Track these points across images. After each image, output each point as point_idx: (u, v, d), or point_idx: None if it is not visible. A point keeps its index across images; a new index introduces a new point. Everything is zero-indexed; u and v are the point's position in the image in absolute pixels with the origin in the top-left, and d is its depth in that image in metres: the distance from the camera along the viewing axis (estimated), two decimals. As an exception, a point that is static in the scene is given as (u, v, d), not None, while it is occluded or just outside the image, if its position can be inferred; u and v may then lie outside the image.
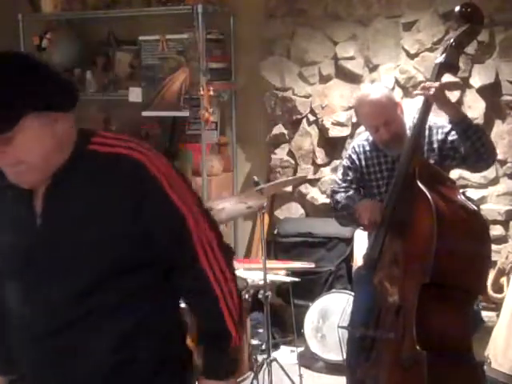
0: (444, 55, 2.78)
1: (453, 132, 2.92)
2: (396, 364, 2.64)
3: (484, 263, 2.70)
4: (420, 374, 2.53)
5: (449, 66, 2.78)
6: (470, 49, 3.82)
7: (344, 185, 3.16)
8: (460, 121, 2.82)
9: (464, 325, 2.66)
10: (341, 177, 3.19)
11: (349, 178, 3.15)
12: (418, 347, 2.54)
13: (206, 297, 1.67)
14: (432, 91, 2.73)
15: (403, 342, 2.61)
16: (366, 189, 3.14)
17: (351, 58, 4.25)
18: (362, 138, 3.17)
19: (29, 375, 1.70)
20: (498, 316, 3.64)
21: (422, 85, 2.80)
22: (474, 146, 2.81)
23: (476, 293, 2.79)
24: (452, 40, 2.77)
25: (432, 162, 2.97)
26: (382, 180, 3.07)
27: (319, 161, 4.42)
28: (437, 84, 2.75)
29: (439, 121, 3.02)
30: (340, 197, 3.13)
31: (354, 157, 3.14)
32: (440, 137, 2.97)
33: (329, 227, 4.20)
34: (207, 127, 4.29)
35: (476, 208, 2.73)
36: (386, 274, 2.79)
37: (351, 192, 3.13)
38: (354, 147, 3.17)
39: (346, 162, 3.18)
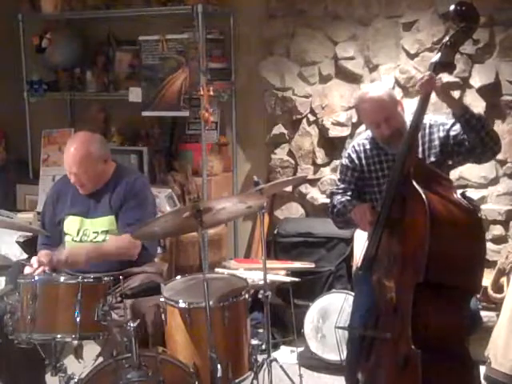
0: (439, 54, 2.78)
1: (454, 127, 2.93)
2: (394, 363, 2.64)
3: (479, 262, 2.70)
4: (415, 372, 2.54)
5: (444, 65, 2.79)
6: (470, 49, 3.82)
7: (342, 186, 3.16)
8: (463, 112, 2.83)
9: (459, 324, 2.66)
10: (339, 176, 3.20)
11: (347, 178, 3.15)
12: (412, 346, 2.55)
13: None
14: (438, 83, 2.74)
15: (400, 341, 2.62)
16: (366, 187, 3.14)
17: (351, 58, 4.25)
18: (363, 137, 3.18)
19: None
20: (497, 316, 3.64)
21: (425, 78, 2.78)
22: (479, 136, 2.81)
23: (471, 292, 2.78)
24: (447, 39, 2.78)
25: (433, 159, 2.98)
26: (382, 178, 3.07)
27: (319, 161, 4.42)
28: (440, 76, 2.76)
29: (439, 118, 3.03)
30: (336, 200, 3.14)
31: (354, 156, 3.14)
32: (442, 134, 2.98)
33: (329, 227, 4.16)
34: (207, 127, 4.29)
35: (471, 207, 2.73)
36: (384, 273, 2.79)
37: (349, 193, 3.13)
38: (353, 146, 3.17)
39: (344, 161, 3.18)
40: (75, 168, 3.27)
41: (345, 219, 3.08)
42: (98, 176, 3.35)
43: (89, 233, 3.32)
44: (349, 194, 3.13)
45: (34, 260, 3.12)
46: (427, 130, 3.00)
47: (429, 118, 2.97)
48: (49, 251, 3.23)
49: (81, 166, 3.26)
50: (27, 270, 3.09)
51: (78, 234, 3.33)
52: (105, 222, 3.32)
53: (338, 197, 3.14)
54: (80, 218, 3.35)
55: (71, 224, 3.36)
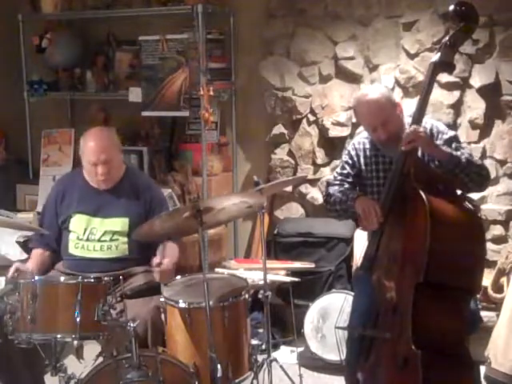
0: (439, 54, 2.79)
1: (449, 144, 2.92)
2: (393, 363, 2.65)
3: (479, 262, 2.71)
4: (415, 373, 2.54)
5: (444, 65, 2.79)
6: (470, 49, 3.82)
7: (340, 178, 3.16)
8: (448, 160, 2.81)
9: (460, 324, 2.67)
10: (338, 170, 3.20)
11: (345, 171, 3.15)
12: (413, 347, 2.55)
13: None
14: (422, 134, 2.76)
15: (399, 341, 2.62)
16: (362, 187, 3.14)
17: (351, 58, 4.24)
18: (363, 136, 3.17)
19: None
20: (497, 316, 3.64)
21: (406, 134, 2.79)
22: (462, 182, 2.82)
23: (471, 292, 2.79)
24: (447, 39, 2.78)
25: (432, 165, 2.97)
26: (377, 180, 3.07)
27: (319, 161, 4.42)
28: (421, 128, 2.77)
29: (439, 125, 3.03)
30: (333, 190, 3.12)
31: (353, 153, 3.14)
32: (439, 142, 2.97)
33: (329, 227, 4.20)
34: (207, 127, 4.29)
35: (471, 207, 2.74)
36: (384, 273, 2.80)
37: (346, 186, 3.12)
38: (354, 144, 3.17)
39: (344, 157, 3.19)
40: (104, 155, 3.26)
41: (343, 208, 3.05)
42: (119, 166, 3.38)
43: (96, 231, 3.33)
44: (346, 186, 3.13)
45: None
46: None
47: (430, 123, 2.97)
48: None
49: (108, 151, 3.27)
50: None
51: (84, 232, 3.34)
52: (118, 223, 3.32)
53: (336, 187, 3.13)
54: (87, 216, 3.35)
55: (78, 222, 3.37)
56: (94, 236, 3.33)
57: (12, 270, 3.15)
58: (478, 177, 2.85)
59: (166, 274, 3.09)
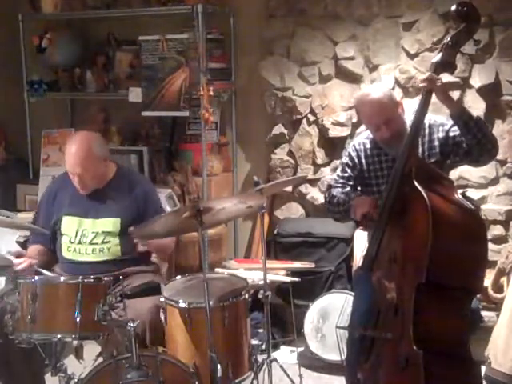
0: (440, 54, 2.79)
1: (453, 128, 2.94)
2: (394, 364, 2.64)
3: (481, 262, 2.70)
4: (416, 374, 2.53)
5: (445, 64, 2.79)
6: (470, 49, 3.82)
7: (341, 181, 3.18)
8: (461, 113, 2.84)
9: (461, 324, 2.67)
10: (339, 173, 3.21)
11: (346, 174, 3.17)
12: (414, 347, 2.54)
13: None
14: (439, 83, 2.75)
15: (401, 341, 2.61)
16: (365, 187, 3.15)
17: (351, 58, 4.25)
18: (363, 136, 3.18)
19: None
20: (497, 316, 3.64)
21: (425, 76, 2.80)
22: (475, 138, 2.82)
23: (473, 292, 2.79)
24: (448, 39, 2.78)
25: (433, 160, 2.98)
26: (381, 178, 3.08)
27: (319, 161, 4.42)
28: (440, 77, 2.78)
29: (439, 118, 3.04)
30: (336, 191, 3.15)
31: (354, 155, 3.15)
32: (441, 134, 2.98)
33: (329, 227, 4.20)
34: (207, 127, 4.29)
35: (473, 207, 2.74)
36: (385, 273, 2.79)
37: (348, 188, 3.14)
38: (354, 145, 3.18)
39: (345, 159, 3.20)
40: (78, 169, 3.27)
41: (345, 208, 3.08)
42: (99, 176, 3.36)
43: (87, 233, 3.31)
44: (347, 188, 3.15)
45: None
46: (427, 130, 3.00)
47: (428, 118, 2.97)
48: None
49: (84, 166, 3.27)
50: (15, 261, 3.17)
51: (76, 235, 3.32)
52: (109, 223, 3.31)
53: (338, 189, 3.16)
54: (78, 218, 3.34)
55: (69, 225, 3.35)
56: (86, 238, 3.31)
57: (26, 264, 3.15)
58: (490, 133, 2.89)
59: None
